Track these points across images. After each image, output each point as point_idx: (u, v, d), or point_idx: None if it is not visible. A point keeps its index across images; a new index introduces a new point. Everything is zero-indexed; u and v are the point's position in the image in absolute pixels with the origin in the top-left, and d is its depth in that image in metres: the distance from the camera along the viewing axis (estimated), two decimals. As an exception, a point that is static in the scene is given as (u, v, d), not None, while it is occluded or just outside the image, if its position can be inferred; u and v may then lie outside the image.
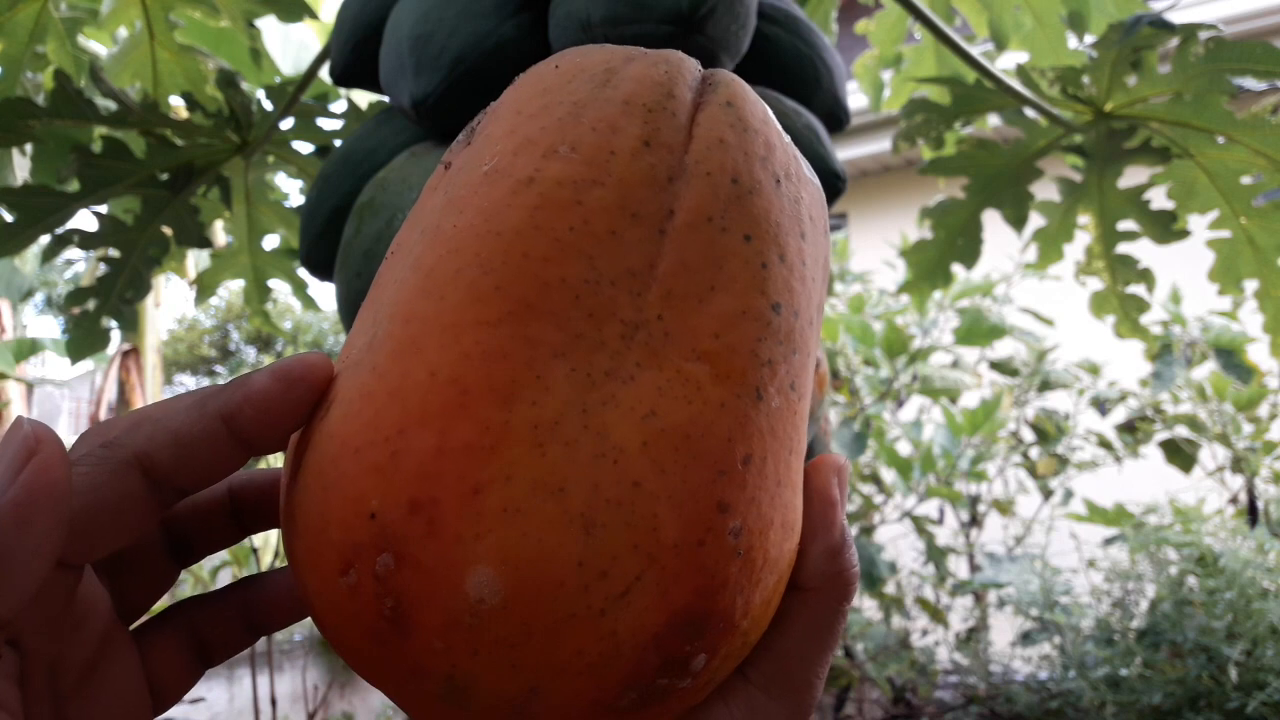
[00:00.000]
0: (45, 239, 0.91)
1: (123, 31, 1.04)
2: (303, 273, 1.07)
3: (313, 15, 0.92)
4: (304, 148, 0.96)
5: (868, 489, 2.50)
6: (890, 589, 2.49)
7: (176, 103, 1.03)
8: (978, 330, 2.35)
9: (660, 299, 0.23)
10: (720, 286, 0.23)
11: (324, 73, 1.01)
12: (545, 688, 0.22)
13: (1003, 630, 2.60)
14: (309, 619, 0.27)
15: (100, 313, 0.97)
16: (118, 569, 0.26)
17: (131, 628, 0.26)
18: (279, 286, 1.10)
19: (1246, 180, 0.86)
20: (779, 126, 0.26)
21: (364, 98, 1.31)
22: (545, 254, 0.22)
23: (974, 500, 2.65)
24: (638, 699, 0.22)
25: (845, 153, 4.42)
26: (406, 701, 0.23)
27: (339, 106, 0.96)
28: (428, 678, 0.22)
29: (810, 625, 0.25)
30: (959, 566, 2.70)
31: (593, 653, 0.21)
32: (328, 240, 0.67)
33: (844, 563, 0.26)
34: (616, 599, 0.21)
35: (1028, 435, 2.67)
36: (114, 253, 0.96)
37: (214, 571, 2.76)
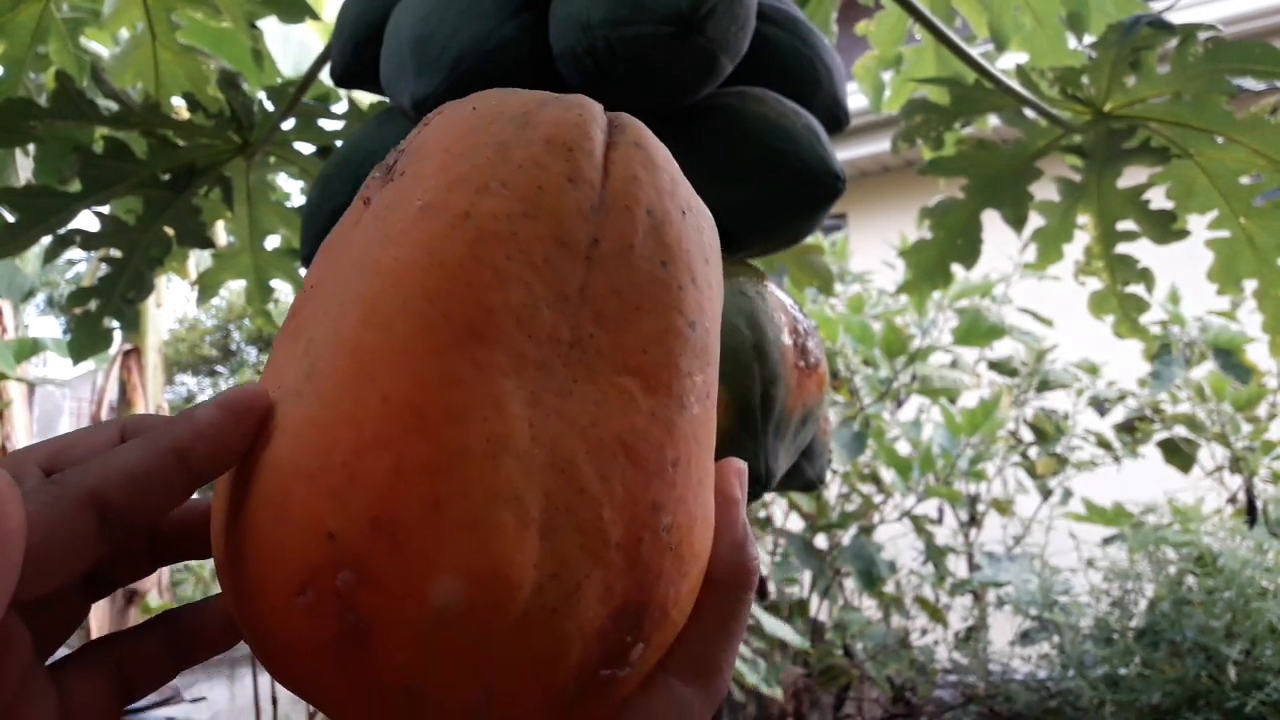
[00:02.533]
0: (47, 239, 0.92)
1: (124, 32, 1.04)
2: (304, 273, 1.07)
3: (314, 16, 0.93)
4: (305, 148, 0.96)
5: (867, 489, 2.50)
6: (889, 588, 2.50)
7: (178, 103, 1.03)
8: (977, 330, 2.35)
9: (592, 320, 0.25)
10: (644, 308, 0.26)
11: (325, 73, 1.01)
12: (499, 688, 0.23)
13: (1002, 629, 2.60)
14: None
15: (102, 313, 0.97)
16: (34, 607, 0.25)
17: (49, 663, 0.26)
18: (281, 287, 1.10)
19: (1246, 180, 0.87)
20: (677, 166, 0.29)
21: (365, 98, 1.31)
22: (487, 282, 0.24)
23: (973, 500, 2.65)
24: (582, 691, 0.24)
25: (845, 153, 4.42)
26: (356, 718, 0.24)
27: (340, 107, 0.96)
28: (385, 691, 0.23)
29: (717, 615, 0.27)
30: (958, 566, 2.70)
31: (544, 649, 0.23)
32: (329, 240, 0.67)
33: (746, 556, 0.28)
34: (566, 597, 0.23)
35: (1027, 435, 2.67)
36: (116, 253, 0.96)
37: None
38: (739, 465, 0.29)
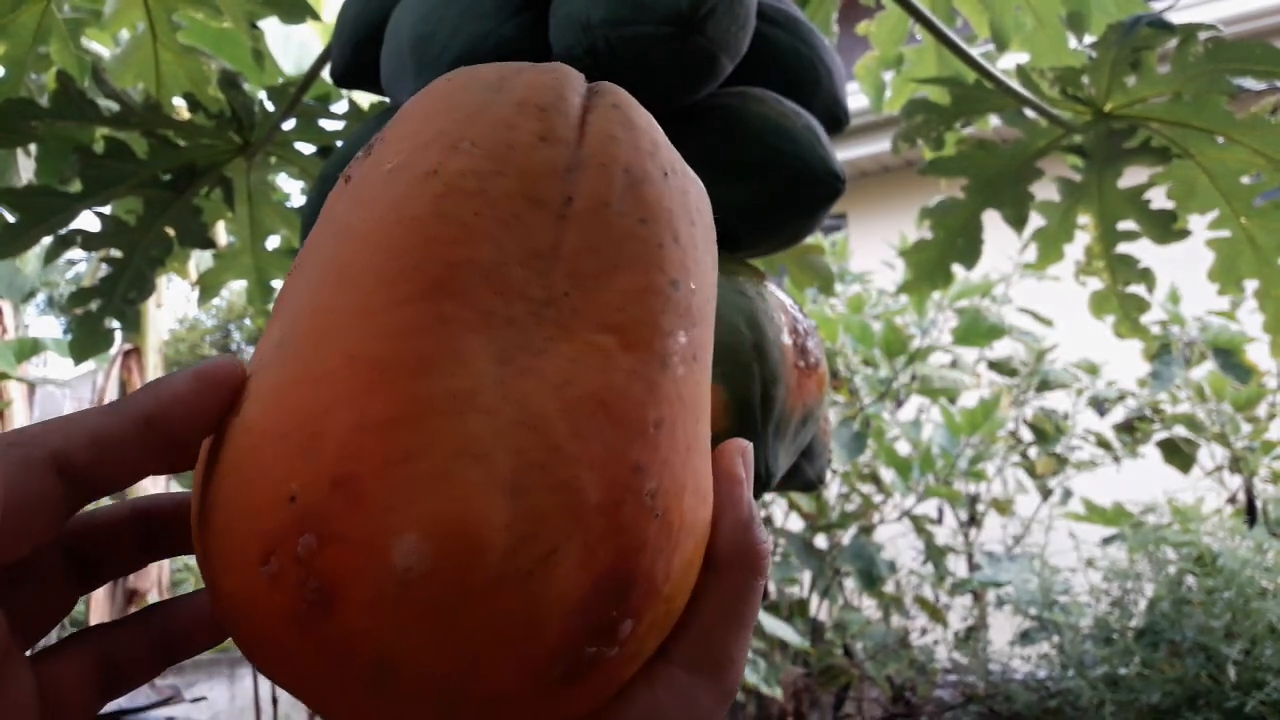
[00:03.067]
0: (48, 240, 0.92)
1: (125, 33, 1.04)
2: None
3: (315, 16, 0.93)
4: (306, 148, 0.96)
5: (867, 489, 2.50)
6: (889, 588, 2.50)
7: (179, 103, 1.03)
8: (976, 330, 2.35)
9: (566, 278, 0.24)
10: (622, 265, 0.24)
11: (326, 73, 1.01)
12: (475, 663, 0.22)
13: (1001, 629, 2.60)
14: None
15: (103, 313, 0.97)
16: (13, 588, 0.24)
17: (30, 653, 0.25)
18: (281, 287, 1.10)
19: (1246, 180, 0.87)
20: (661, 130, 0.28)
21: (365, 98, 1.31)
22: (452, 237, 0.23)
23: (973, 500, 2.66)
24: (569, 670, 0.22)
25: (845, 153, 4.43)
26: (329, 698, 0.23)
27: (340, 107, 0.96)
28: (355, 662, 0.21)
29: (725, 601, 0.26)
30: (958, 566, 2.71)
31: (521, 616, 0.21)
32: (330, 240, 0.67)
33: (753, 537, 0.26)
34: (542, 560, 0.21)
35: (1026, 435, 2.67)
36: (116, 253, 0.96)
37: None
38: (743, 443, 0.28)
